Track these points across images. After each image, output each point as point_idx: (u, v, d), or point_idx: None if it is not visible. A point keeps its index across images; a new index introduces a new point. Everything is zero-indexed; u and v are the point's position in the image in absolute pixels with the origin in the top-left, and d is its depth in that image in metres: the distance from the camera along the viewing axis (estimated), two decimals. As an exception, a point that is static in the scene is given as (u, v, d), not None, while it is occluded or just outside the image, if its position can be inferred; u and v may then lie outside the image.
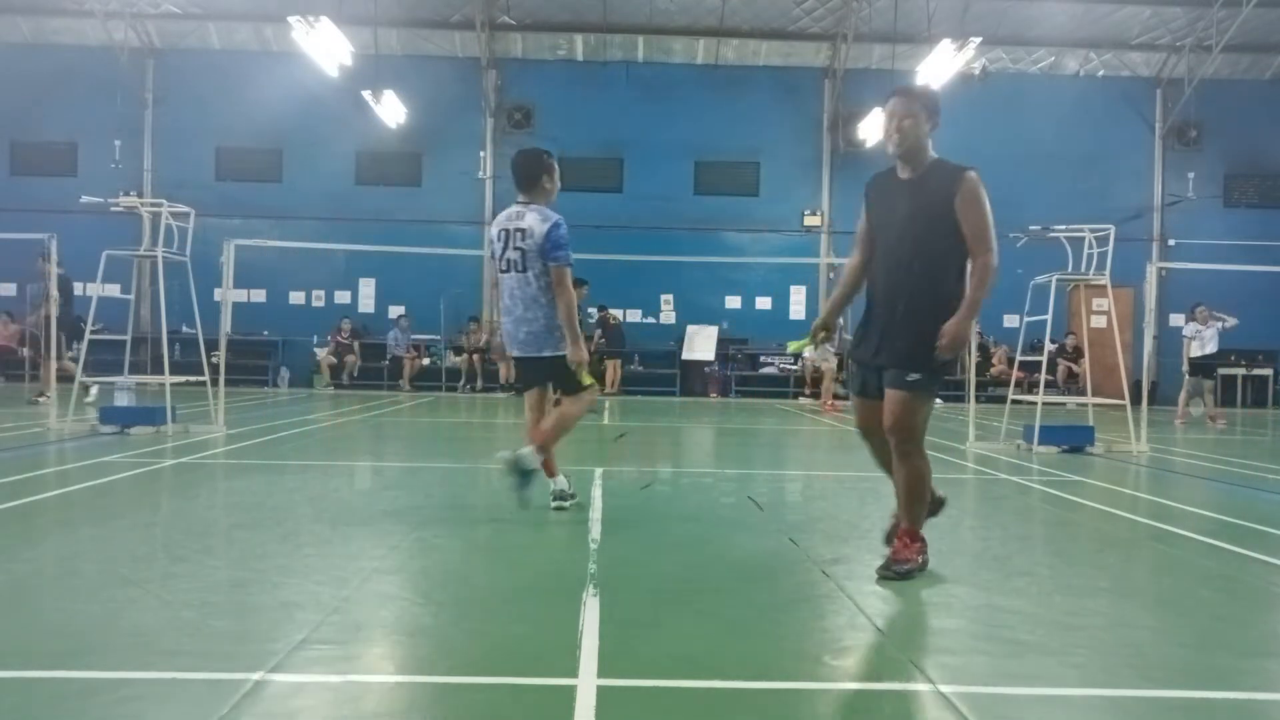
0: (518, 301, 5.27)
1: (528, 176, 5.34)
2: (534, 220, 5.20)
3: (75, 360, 10.87)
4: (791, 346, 4.76)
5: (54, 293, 10.43)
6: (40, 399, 11.33)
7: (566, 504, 5.39)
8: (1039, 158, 19.95)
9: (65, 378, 10.60)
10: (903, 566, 3.92)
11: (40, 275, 11.61)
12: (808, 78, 20.98)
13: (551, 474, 5.39)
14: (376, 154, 20.39)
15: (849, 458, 9.52)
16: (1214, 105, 20.21)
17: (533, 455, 5.11)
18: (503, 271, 5.33)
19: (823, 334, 4.32)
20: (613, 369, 17.65)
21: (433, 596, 3.60)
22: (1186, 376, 14.99)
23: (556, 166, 5.42)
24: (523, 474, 5.10)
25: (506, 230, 5.29)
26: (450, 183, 20.39)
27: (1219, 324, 14.88)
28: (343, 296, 20.58)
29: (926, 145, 4.00)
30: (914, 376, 3.89)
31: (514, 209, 5.35)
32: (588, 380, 5.36)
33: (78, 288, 12.92)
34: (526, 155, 5.45)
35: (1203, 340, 14.83)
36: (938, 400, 18.40)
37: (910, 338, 3.89)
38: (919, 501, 4.04)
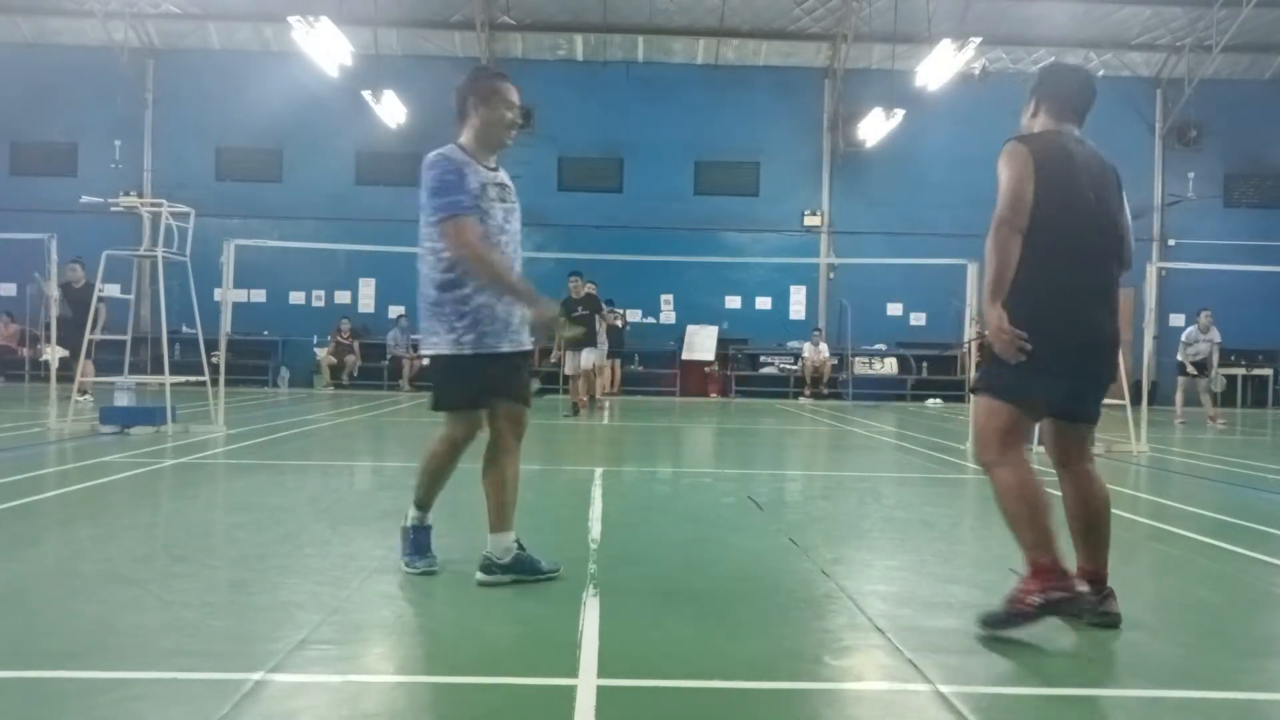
0: None
1: (455, 106, 3.92)
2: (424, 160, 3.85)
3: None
4: None
5: (54, 293, 10.44)
6: (83, 396, 11.28)
7: (502, 578, 3.69)
8: (1039, 158, 19.90)
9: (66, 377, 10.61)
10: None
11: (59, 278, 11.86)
12: (808, 78, 20.98)
13: (495, 527, 3.74)
14: (376, 154, 20.39)
15: (849, 458, 9.52)
16: (1214, 105, 20.22)
17: (408, 519, 3.93)
18: None
19: None
20: (612, 369, 17.63)
21: (433, 596, 3.59)
22: (1179, 378, 15.06)
23: (496, 86, 3.83)
24: (506, 571, 3.71)
25: None
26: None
27: (1213, 337, 14.93)
28: (343, 296, 20.59)
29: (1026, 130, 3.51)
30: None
31: None
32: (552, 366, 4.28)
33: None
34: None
35: (1198, 349, 14.88)
36: (938, 400, 18.66)
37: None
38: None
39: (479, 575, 3.71)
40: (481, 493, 3.75)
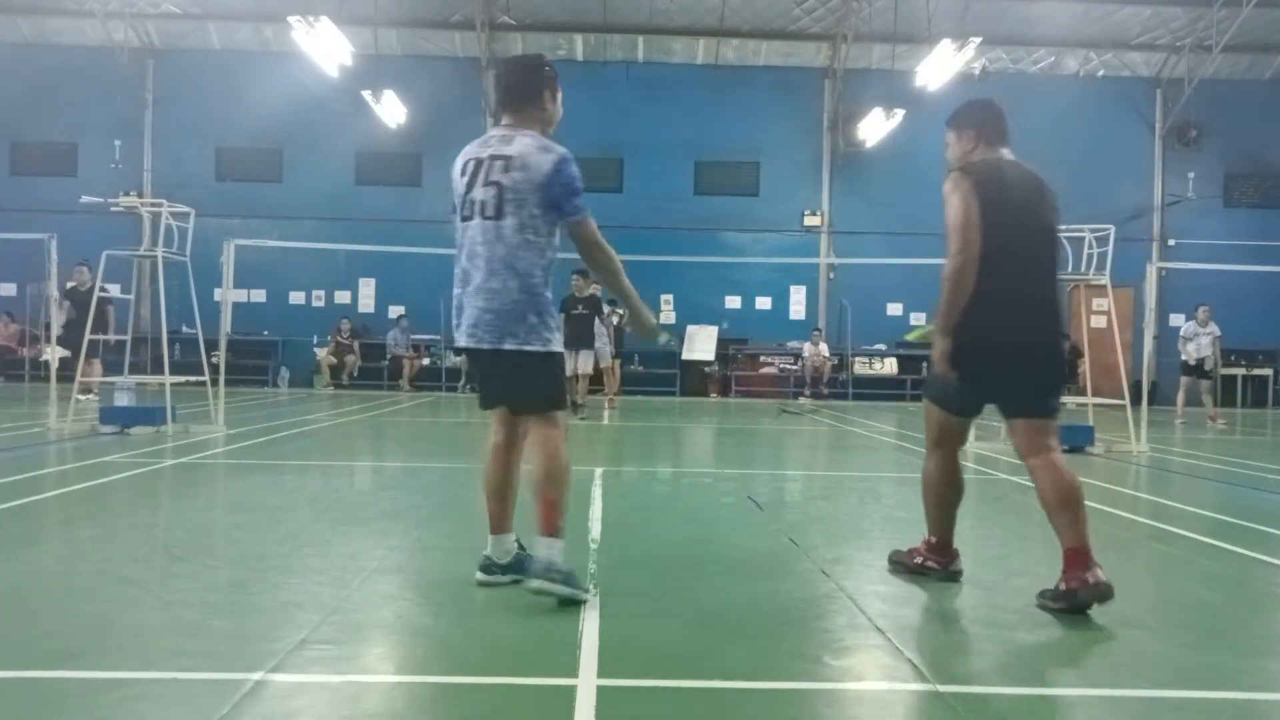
0: (480, 262, 3.47)
1: (520, 91, 3.62)
2: (529, 148, 3.48)
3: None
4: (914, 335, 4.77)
5: (54, 293, 10.46)
6: (87, 395, 11.31)
7: (502, 579, 3.63)
8: (1038, 158, 18.99)
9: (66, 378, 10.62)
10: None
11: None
12: (808, 78, 20.97)
13: (497, 529, 3.67)
14: (376, 154, 20.38)
15: (849, 458, 9.53)
16: (1214, 105, 20.20)
17: (557, 554, 3.40)
18: (464, 219, 3.57)
19: None
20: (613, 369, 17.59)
21: (433, 596, 3.59)
22: (1182, 378, 15.02)
23: (557, 85, 3.73)
24: (566, 582, 3.39)
25: (478, 160, 3.55)
26: (450, 183, 20.34)
27: (1213, 330, 14.88)
28: (343, 296, 20.58)
29: (959, 161, 3.90)
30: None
31: (494, 133, 3.62)
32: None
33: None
34: (518, 63, 3.78)
35: (1198, 343, 14.82)
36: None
37: None
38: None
39: (479, 575, 3.70)
40: (480, 493, 3.74)
